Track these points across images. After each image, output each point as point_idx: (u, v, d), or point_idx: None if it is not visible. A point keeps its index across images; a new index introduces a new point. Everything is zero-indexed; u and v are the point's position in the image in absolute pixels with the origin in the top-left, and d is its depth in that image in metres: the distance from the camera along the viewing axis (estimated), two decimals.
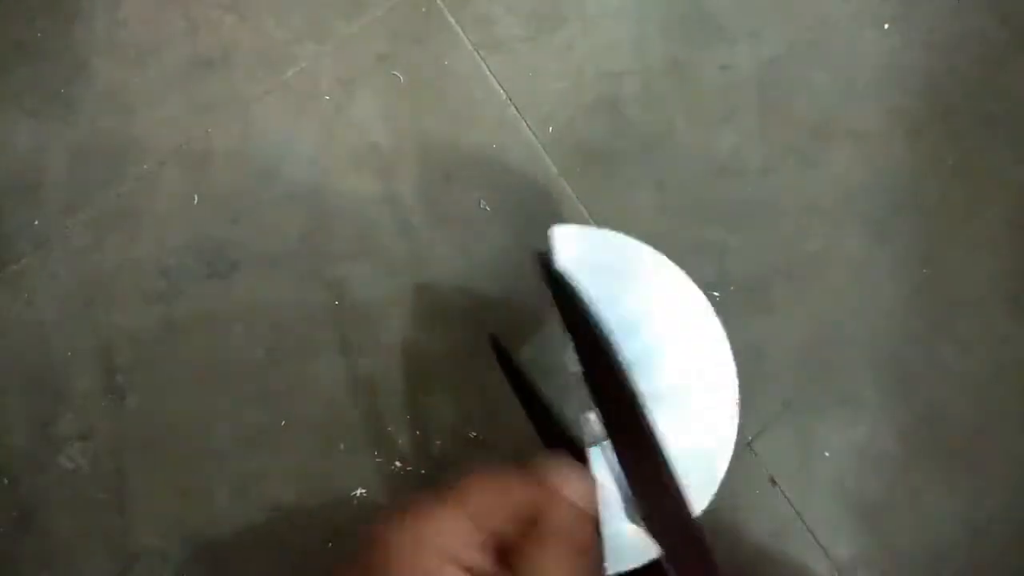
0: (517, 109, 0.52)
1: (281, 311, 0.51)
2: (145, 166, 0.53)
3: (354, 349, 0.51)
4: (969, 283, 0.50)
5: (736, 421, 0.34)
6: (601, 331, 0.32)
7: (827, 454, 0.49)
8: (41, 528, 0.50)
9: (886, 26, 0.52)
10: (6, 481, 0.50)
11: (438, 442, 0.49)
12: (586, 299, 0.33)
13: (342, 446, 0.49)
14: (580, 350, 0.33)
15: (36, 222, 0.52)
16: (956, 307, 0.50)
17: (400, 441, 0.49)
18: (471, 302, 0.50)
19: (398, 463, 0.49)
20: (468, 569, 0.28)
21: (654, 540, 0.31)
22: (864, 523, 0.48)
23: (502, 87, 0.53)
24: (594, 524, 0.31)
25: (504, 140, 0.52)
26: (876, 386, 0.49)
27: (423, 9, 0.53)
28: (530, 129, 0.52)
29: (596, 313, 0.33)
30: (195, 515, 0.50)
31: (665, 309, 0.34)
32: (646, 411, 0.32)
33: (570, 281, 0.33)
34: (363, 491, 0.49)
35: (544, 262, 0.33)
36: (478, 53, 0.53)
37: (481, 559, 0.29)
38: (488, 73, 0.53)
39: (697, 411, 0.34)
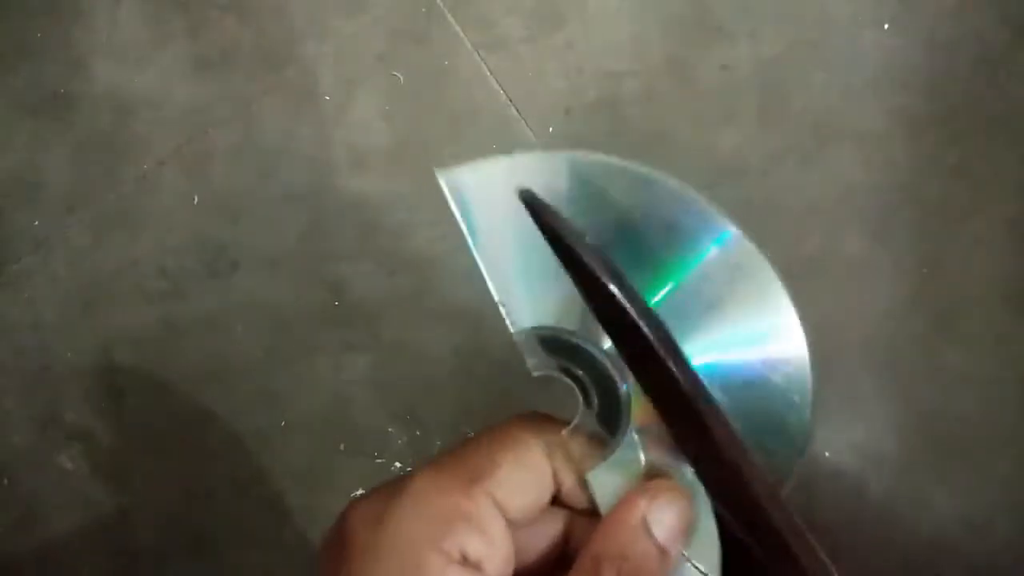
0: (517, 109, 0.52)
1: (281, 311, 0.51)
2: (145, 166, 0.53)
3: (354, 349, 0.51)
4: (969, 283, 0.50)
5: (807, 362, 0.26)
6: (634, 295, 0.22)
7: (827, 454, 0.49)
8: (41, 528, 0.50)
9: (886, 26, 0.52)
10: (6, 481, 0.50)
11: (438, 442, 0.49)
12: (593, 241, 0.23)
13: (342, 446, 0.49)
14: (606, 323, 0.23)
15: (36, 222, 0.52)
16: (956, 307, 0.50)
17: (400, 441, 0.49)
18: (471, 302, 0.50)
19: (398, 463, 0.49)
20: (476, 565, 0.20)
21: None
22: (864, 523, 0.48)
23: (502, 87, 0.53)
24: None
25: (504, 140, 0.52)
26: (876, 386, 0.49)
27: (423, 9, 0.53)
28: (530, 129, 0.52)
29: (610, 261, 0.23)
30: (195, 515, 0.50)
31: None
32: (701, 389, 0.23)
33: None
34: (364, 492, 0.49)
35: (529, 199, 0.23)
36: (478, 53, 0.53)
37: (503, 551, 0.21)
38: (488, 73, 0.53)
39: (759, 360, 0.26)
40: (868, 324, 0.50)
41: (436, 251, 0.51)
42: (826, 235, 0.51)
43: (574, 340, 0.24)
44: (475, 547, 0.20)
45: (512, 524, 0.21)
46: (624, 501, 0.22)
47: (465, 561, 0.20)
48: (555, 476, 0.22)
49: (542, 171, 0.25)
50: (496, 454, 0.21)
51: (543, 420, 0.23)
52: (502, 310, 0.24)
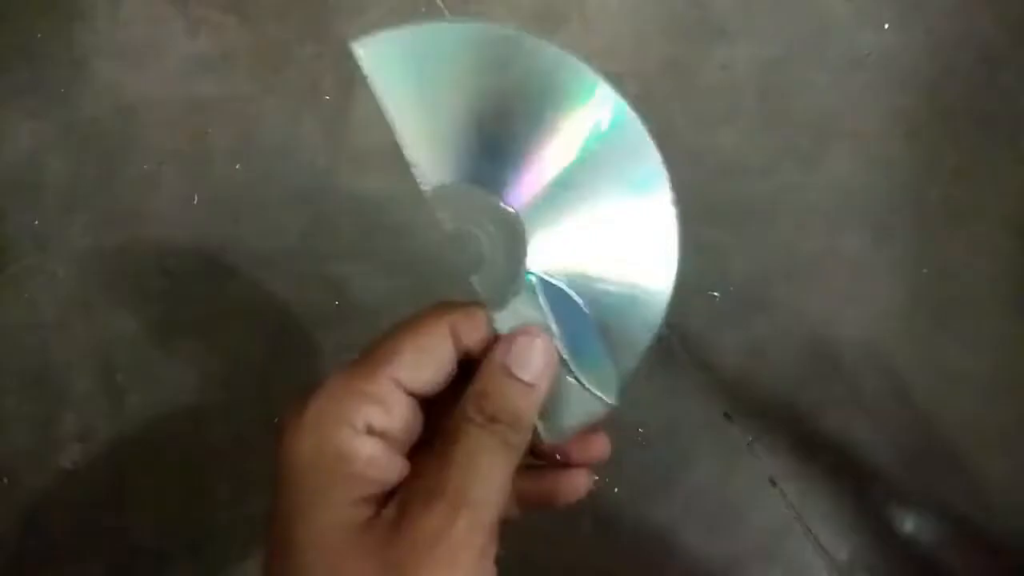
0: None
1: (281, 311, 0.51)
2: (145, 166, 0.53)
3: (354, 348, 0.50)
4: (969, 283, 0.50)
5: (676, 247, 0.29)
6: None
7: (827, 455, 0.49)
8: (42, 528, 0.50)
9: (886, 26, 0.52)
10: (6, 481, 0.50)
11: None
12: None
13: None
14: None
15: (36, 222, 0.52)
16: (956, 307, 0.50)
17: None
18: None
19: None
20: (381, 434, 0.24)
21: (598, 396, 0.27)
22: (864, 523, 0.48)
23: None
24: (540, 409, 0.26)
25: None
26: (875, 386, 0.49)
27: (423, 9, 0.53)
28: None
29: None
30: (195, 515, 0.50)
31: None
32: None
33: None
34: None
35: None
36: None
37: (403, 421, 0.25)
38: None
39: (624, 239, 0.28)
40: (868, 324, 0.50)
41: (436, 251, 0.51)
42: (826, 235, 0.51)
43: (479, 190, 0.26)
44: (379, 420, 0.24)
45: (420, 395, 0.25)
46: (492, 348, 0.26)
47: (371, 431, 0.24)
48: (461, 346, 0.26)
49: (448, 41, 0.27)
50: (398, 342, 0.25)
51: (448, 304, 0.27)
52: (414, 171, 0.26)
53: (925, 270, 0.50)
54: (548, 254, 0.27)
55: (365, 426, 0.24)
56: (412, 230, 0.51)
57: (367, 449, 0.24)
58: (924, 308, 0.50)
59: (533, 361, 0.26)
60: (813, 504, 0.48)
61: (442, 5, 0.53)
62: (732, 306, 0.50)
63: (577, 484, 0.28)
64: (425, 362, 0.26)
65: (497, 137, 0.27)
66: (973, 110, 0.51)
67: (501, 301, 0.27)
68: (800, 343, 0.50)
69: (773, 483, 0.48)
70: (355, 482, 0.24)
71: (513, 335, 0.26)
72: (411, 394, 0.25)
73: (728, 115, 0.52)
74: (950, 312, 0.50)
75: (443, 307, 0.26)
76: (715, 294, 0.50)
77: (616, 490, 0.48)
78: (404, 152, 0.26)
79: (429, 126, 0.27)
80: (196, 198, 0.52)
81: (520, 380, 0.25)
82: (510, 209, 0.27)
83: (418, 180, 0.26)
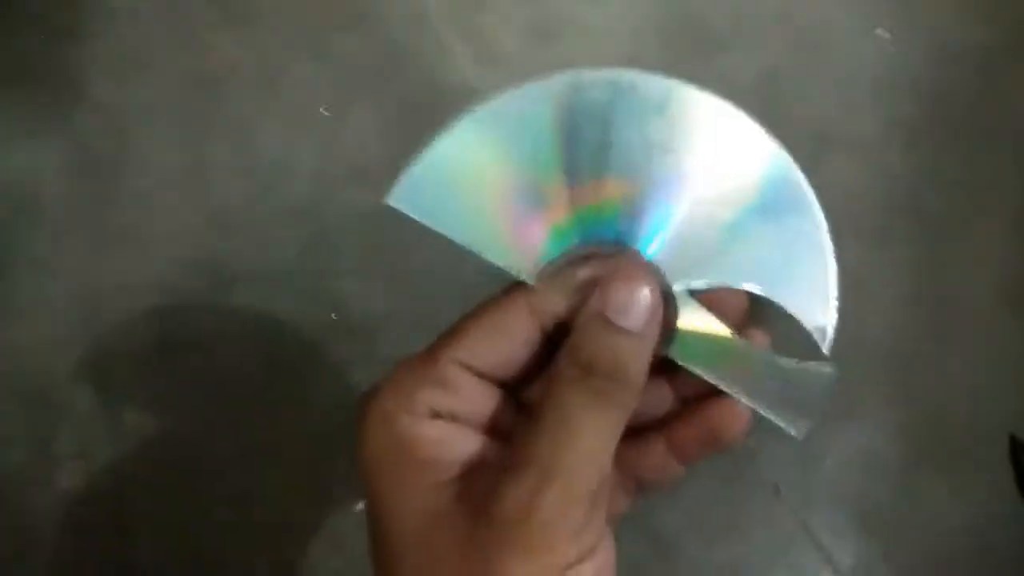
0: None
1: (280, 326, 0.51)
2: (142, 183, 0.53)
3: (354, 364, 0.50)
4: (969, 287, 0.50)
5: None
6: None
7: (829, 460, 0.49)
8: (39, 548, 0.50)
9: (885, 35, 0.52)
10: (3, 500, 0.50)
11: None
12: None
13: (342, 460, 0.49)
14: None
15: (32, 241, 0.52)
16: (956, 311, 0.50)
17: None
18: None
19: None
20: (450, 416, 0.23)
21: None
22: (867, 529, 0.48)
23: None
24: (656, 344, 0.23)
25: None
26: (877, 392, 0.49)
27: (420, 24, 0.53)
28: None
29: None
30: (195, 532, 0.49)
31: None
32: None
33: None
34: (363, 505, 0.49)
35: None
36: (474, 67, 0.53)
37: (473, 402, 0.24)
38: (483, 89, 0.53)
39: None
40: (868, 329, 0.50)
41: (435, 266, 0.51)
42: None
43: (581, 252, 0.24)
44: (443, 402, 0.23)
45: (497, 375, 0.24)
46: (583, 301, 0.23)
47: (436, 415, 0.23)
48: (546, 319, 0.24)
49: (475, 136, 0.25)
50: (465, 323, 0.24)
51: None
52: (514, 273, 0.24)
53: (924, 275, 0.50)
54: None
55: (429, 410, 0.23)
56: (412, 245, 0.51)
57: (432, 432, 0.23)
58: (923, 313, 0.50)
59: (634, 305, 0.22)
60: (817, 511, 0.48)
61: (437, 21, 0.53)
62: None
63: (735, 414, 0.25)
64: (495, 341, 0.24)
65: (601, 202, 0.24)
66: (973, 118, 0.51)
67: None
68: (800, 345, 0.50)
69: (776, 490, 0.48)
70: (427, 467, 0.23)
71: (609, 279, 0.23)
72: (483, 374, 0.24)
73: None
74: (950, 316, 0.50)
75: (519, 285, 0.24)
76: None
77: None
78: (495, 264, 0.24)
79: (494, 223, 0.24)
80: (195, 214, 0.52)
81: (621, 328, 0.22)
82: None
83: (523, 277, 0.24)
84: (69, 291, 0.52)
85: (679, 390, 0.26)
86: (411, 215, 0.25)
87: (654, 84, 0.24)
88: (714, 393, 0.25)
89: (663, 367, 0.24)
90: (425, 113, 0.53)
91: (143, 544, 0.49)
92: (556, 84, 0.24)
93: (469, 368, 0.23)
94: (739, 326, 0.25)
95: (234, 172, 0.53)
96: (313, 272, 0.51)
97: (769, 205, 0.25)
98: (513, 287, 0.24)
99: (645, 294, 0.22)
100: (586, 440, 0.21)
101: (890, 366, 0.50)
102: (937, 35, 0.52)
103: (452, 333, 0.24)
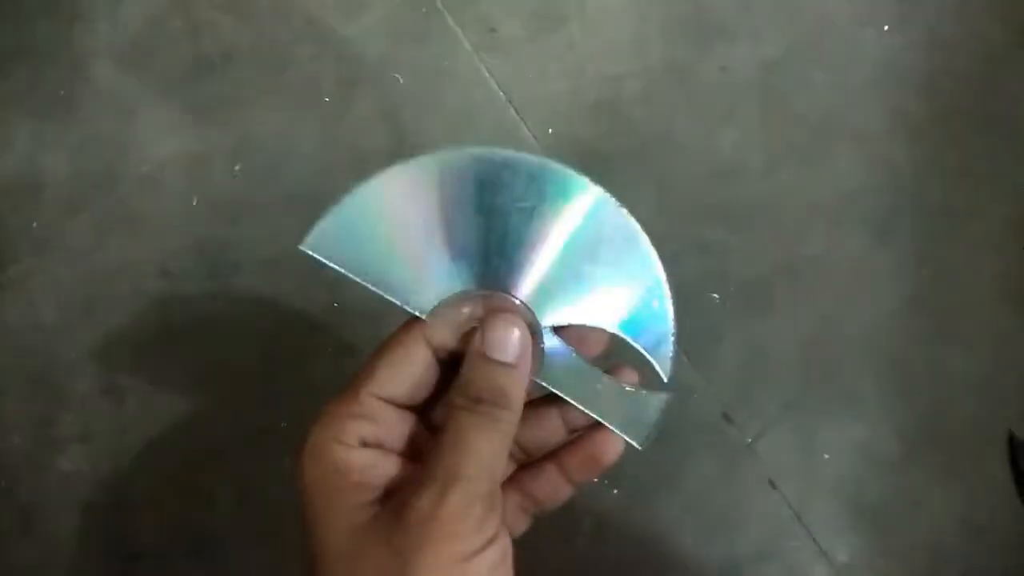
0: (517, 111, 0.52)
1: (281, 312, 0.51)
2: (145, 167, 0.53)
3: (353, 349, 0.51)
4: (969, 283, 0.50)
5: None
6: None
7: (827, 455, 0.49)
8: (41, 530, 0.50)
9: (886, 27, 0.52)
10: (3, 483, 0.50)
11: None
12: None
13: None
14: None
15: (36, 224, 0.52)
16: (956, 307, 0.50)
17: None
18: None
19: None
20: (376, 444, 0.27)
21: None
22: (864, 524, 0.48)
23: (502, 89, 0.53)
24: (528, 376, 0.28)
25: (504, 141, 0.52)
26: (876, 387, 0.49)
27: (423, 10, 0.53)
28: (530, 131, 0.52)
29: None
30: (195, 516, 0.50)
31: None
32: None
33: None
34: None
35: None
36: (478, 55, 0.53)
37: (393, 429, 0.28)
38: (488, 75, 0.53)
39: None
40: (868, 324, 0.50)
41: None
42: (827, 235, 0.51)
43: (466, 295, 0.28)
44: (369, 432, 0.27)
45: (409, 402, 0.28)
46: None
47: (366, 444, 0.27)
48: (441, 350, 0.28)
49: (378, 197, 0.29)
50: (373, 361, 0.28)
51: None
52: (408, 310, 0.28)
53: (925, 270, 0.50)
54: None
55: (359, 440, 0.27)
56: None
57: (361, 460, 0.27)
58: (924, 308, 0.50)
59: (509, 342, 0.27)
60: (813, 505, 0.48)
61: (442, 6, 0.53)
62: (732, 306, 0.50)
63: (611, 441, 0.29)
64: (400, 374, 0.28)
65: (485, 246, 0.28)
66: (974, 110, 0.51)
67: None
68: (800, 343, 0.50)
69: (773, 484, 0.48)
70: (357, 489, 0.26)
71: (487, 320, 0.27)
72: (397, 403, 0.28)
73: (728, 115, 0.52)
74: (950, 312, 0.50)
75: (416, 320, 0.28)
76: (715, 295, 0.50)
77: (615, 491, 0.48)
78: (393, 301, 0.28)
79: (402, 267, 0.29)
80: (195, 199, 0.52)
81: (499, 362, 0.27)
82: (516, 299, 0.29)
83: (417, 314, 0.28)
84: (71, 275, 0.52)
85: (568, 422, 0.30)
86: (322, 260, 0.29)
87: (525, 161, 0.28)
88: (595, 424, 0.29)
89: (555, 400, 0.29)
90: (428, 100, 0.53)
91: (144, 526, 0.50)
92: (453, 156, 0.28)
93: (385, 399, 0.28)
94: (601, 356, 0.30)
95: (235, 157, 0.53)
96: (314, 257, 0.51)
97: (605, 253, 0.29)
98: (409, 322, 0.28)
99: (515, 333, 0.27)
100: (480, 453, 0.26)
101: (889, 360, 0.50)
102: (938, 25, 0.52)
103: (365, 370, 0.28)
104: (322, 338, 0.51)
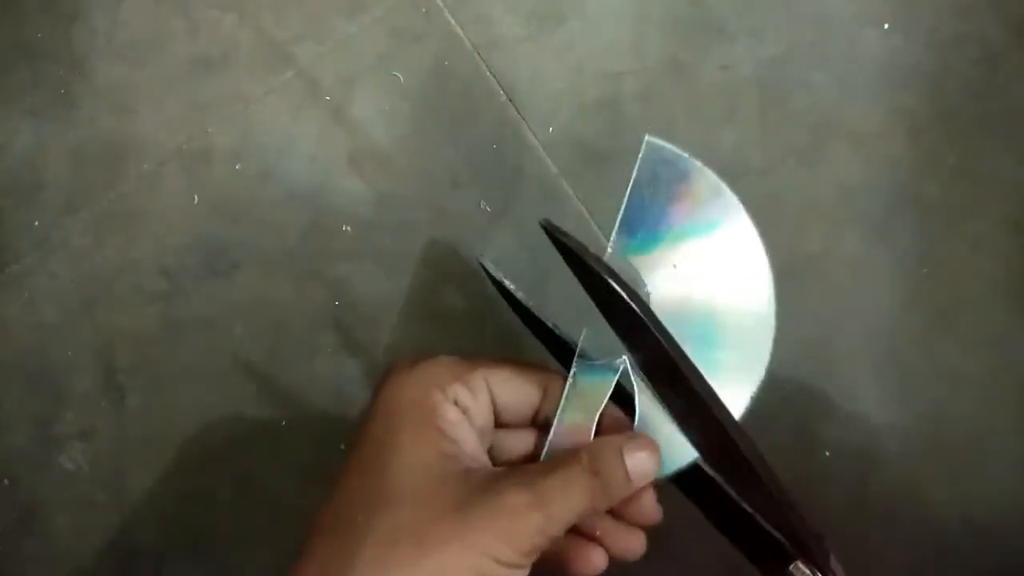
0: (517, 109, 0.52)
1: (281, 311, 0.51)
2: (145, 166, 0.53)
3: (354, 348, 0.51)
4: (969, 283, 0.50)
5: (772, 294, 0.33)
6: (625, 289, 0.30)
7: (827, 454, 0.49)
8: (41, 528, 0.50)
9: (886, 26, 0.52)
10: (6, 482, 0.50)
11: None
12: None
13: (343, 446, 0.49)
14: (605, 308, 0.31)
15: (36, 222, 0.52)
16: (956, 307, 0.50)
17: None
18: (471, 302, 0.50)
19: None
20: (465, 410, 0.29)
21: (691, 443, 0.30)
22: (864, 525, 0.48)
23: (502, 87, 0.53)
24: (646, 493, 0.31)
25: (504, 140, 0.52)
26: (876, 386, 0.49)
27: (423, 9, 0.53)
28: (530, 129, 0.52)
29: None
30: (196, 515, 0.50)
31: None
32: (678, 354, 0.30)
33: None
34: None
35: (551, 230, 0.31)
36: (478, 53, 0.53)
37: (483, 413, 0.30)
38: (488, 73, 0.53)
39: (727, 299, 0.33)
40: (868, 324, 0.50)
41: (435, 252, 0.51)
42: (826, 235, 0.51)
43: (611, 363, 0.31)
44: (466, 399, 0.30)
45: (498, 408, 0.31)
46: (609, 432, 0.30)
47: (458, 405, 0.29)
48: (540, 403, 0.32)
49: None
50: (502, 360, 0.31)
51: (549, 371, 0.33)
52: (558, 333, 0.33)
53: (925, 270, 0.50)
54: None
55: (454, 398, 0.29)
56: (413, 230, 0.51)
57: (453, 414, 0.29)
58: (924, 308, 0.50)
59: (647, 466, 0.29)
60: (813, 505, 0.48)
61: (442, 5, 0.53)
62: None
63: (631, 543, 0.32)
64: (515, 384, 0.31)
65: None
66: (973, 110, 0.51)
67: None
68: (800, 343, 0.50)
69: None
70: (441, 435, 0.28)
71: (644, 437, 0.30)
72: (494, 403, 0.31)
73: (728, 115, 0.52)
74: (950, 312, 0.50)
75: (545, 368, 0.32)
76: None
77: None
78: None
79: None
80: (196, 198, 0.52)
81: (626, 471, 0.29)
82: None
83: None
84: (70, 273, 0.52)
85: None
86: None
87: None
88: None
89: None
90: (428, 99, 0.53)
91: (143, 523, 0.50)
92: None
93: (491, 391, 0.30)
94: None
95: (235, 156, 0.53)
96: (314, 256, 0.51)
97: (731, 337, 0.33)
98: (555, 372, 0.32)
99: (653, 467, 0.30)
100: (571, 506, 0.28)
101: (889, 359, 0.50)
102: (938, 25, 0.52)
103: (496, 360, 0.31)
104: (321, 337, 0.51)
